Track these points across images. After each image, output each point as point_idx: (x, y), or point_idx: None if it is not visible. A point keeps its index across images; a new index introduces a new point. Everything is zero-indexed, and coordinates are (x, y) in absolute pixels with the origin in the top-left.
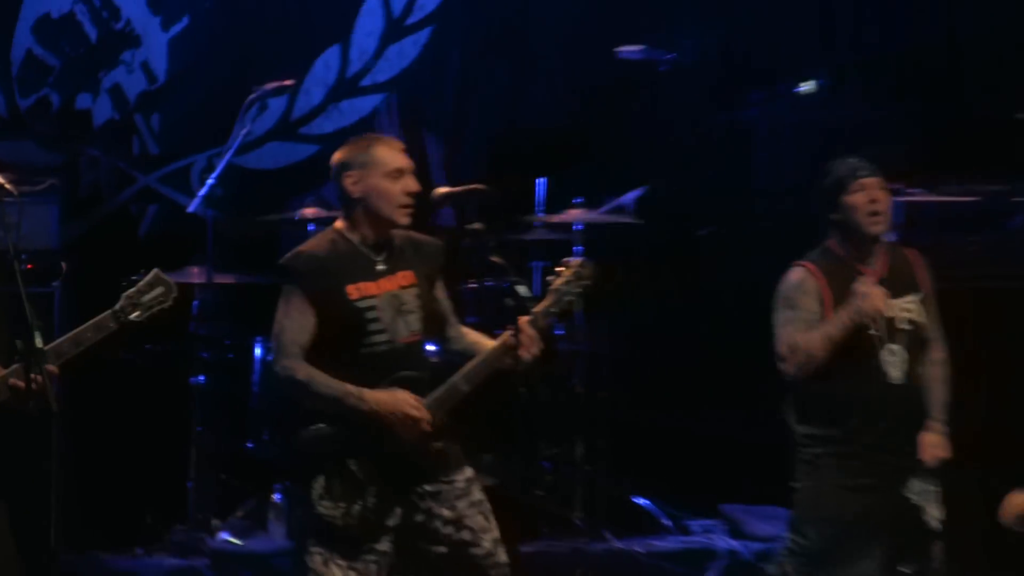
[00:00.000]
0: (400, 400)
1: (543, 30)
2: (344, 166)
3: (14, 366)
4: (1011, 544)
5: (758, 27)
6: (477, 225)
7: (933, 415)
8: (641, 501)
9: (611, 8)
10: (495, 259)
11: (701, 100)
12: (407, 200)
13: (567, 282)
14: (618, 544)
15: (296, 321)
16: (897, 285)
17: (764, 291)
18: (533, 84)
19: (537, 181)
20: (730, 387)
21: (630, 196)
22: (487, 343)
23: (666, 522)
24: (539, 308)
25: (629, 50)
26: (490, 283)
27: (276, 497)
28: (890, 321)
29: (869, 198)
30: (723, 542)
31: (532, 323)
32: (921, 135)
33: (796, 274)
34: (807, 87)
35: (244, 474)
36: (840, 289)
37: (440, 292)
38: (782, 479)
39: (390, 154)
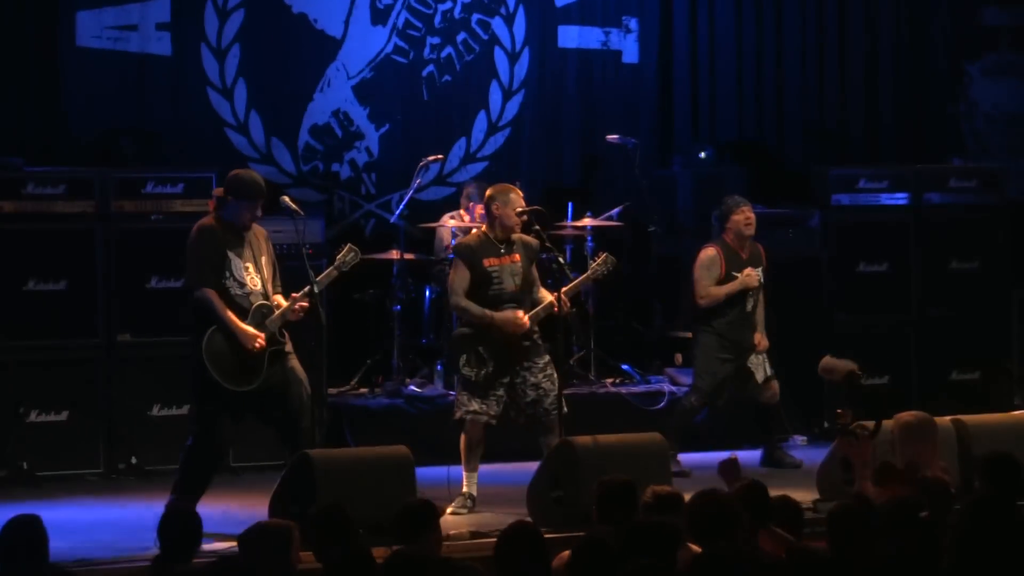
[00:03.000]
0: (512, 314)
1: (567, 125)
2: (492, 198)
3: (293, 299)
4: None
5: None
6: (537, 227)
7: (760, 326)
8: (625, 367)
9: (598, 112)
10: (547, 244)
11: (651, 161)
12: (520, 224)
13: (599, 264)
14: (612, 389)
15: (460, 277)
16: (754, 262)
17: (683, 261)
18: (562, 154)
19: (568, 203)
20: (667, 309)
21: (615, 211)
22: (548, 297)
23: (637, 377)
24: (580, 279)
25: (612, 137)
26: (544, 256)
27: (438, 367)
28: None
29: (745, 217)
30: (667, 388)
31: (570, 290)
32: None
33: (709, 251)
34: (703, 155)
35: (421, 355)
36: (729, 262)
37: (534, 269)
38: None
39: (517, 199)
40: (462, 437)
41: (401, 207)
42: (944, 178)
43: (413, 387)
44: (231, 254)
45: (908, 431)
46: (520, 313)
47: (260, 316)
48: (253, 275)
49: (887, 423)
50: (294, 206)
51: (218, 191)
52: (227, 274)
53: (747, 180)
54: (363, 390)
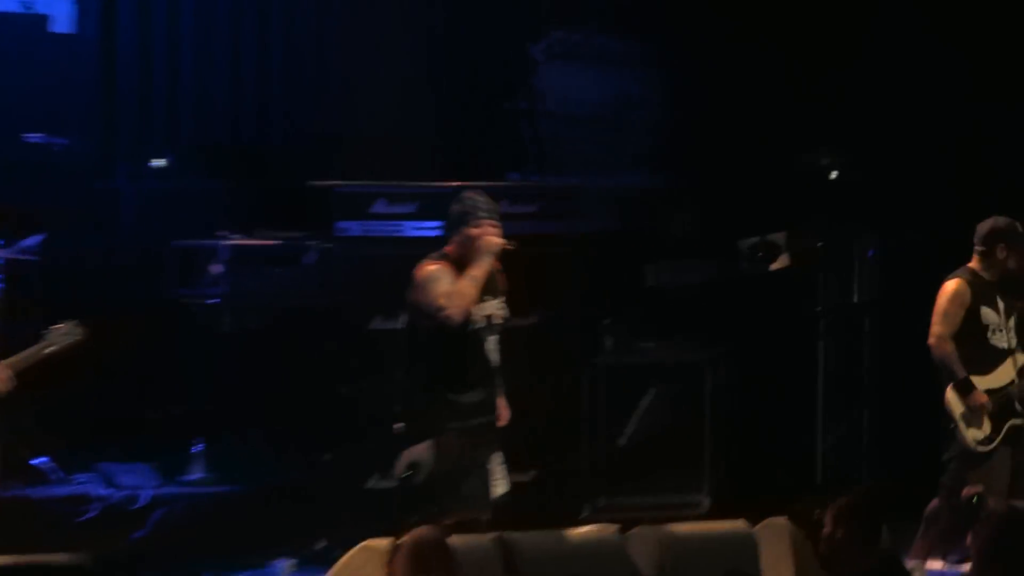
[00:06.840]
0: None
1: None
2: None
3: None
4: None
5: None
6: None
7: None
8: (38, 460)
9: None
10: None
11: (88, 171)
12: None
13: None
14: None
15: None
16: None
17: None
18: None
19: None
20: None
21: (31, 240)
22: None
23: (60, 475)
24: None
25: (33, 136)
26: None
27: None
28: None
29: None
30: (99, 490)
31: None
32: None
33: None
34: (159, 163)
35: None
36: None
37: None
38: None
39: None
40: None
41: None
42: None
43: None
44: None
45: None
46: None
47: None
48: None
49: None
50: None
51: None
52: None
53: (226, 198)
54: None
